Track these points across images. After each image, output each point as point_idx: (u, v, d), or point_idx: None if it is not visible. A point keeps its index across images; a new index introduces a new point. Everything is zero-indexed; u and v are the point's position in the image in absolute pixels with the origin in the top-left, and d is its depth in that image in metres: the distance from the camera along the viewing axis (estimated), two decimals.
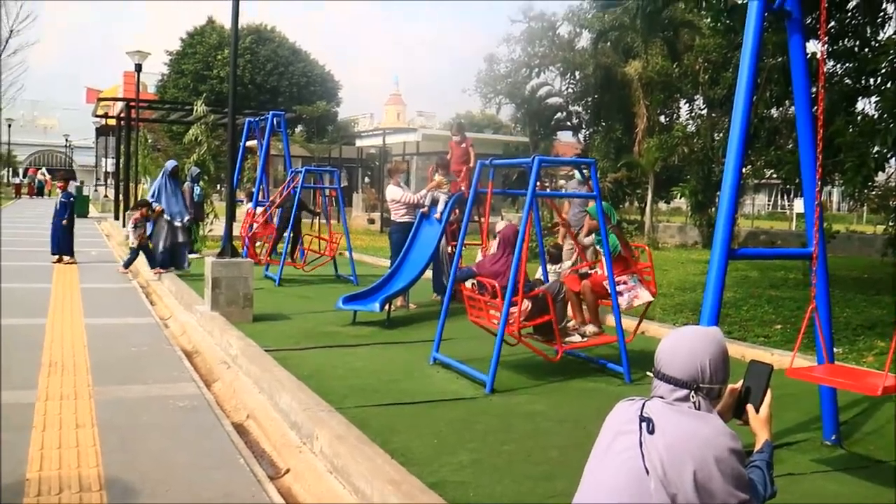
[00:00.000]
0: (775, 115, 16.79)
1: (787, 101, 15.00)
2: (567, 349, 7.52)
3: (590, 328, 7.94)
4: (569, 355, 7.97)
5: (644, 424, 2.43)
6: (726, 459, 2.36)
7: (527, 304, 7.40)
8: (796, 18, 5.37)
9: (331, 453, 5.12)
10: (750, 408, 2.72)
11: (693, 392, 2.49)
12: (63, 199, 16.85)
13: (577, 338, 7.79)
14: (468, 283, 8.14)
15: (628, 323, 8.42)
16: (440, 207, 10.90)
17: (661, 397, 2.52)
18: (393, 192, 11.91)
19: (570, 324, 8.12)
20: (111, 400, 6.64)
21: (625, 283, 7.81)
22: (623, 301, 7.73)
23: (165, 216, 14.90)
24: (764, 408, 2.73)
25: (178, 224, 14.94)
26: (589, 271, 8.39)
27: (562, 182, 39.28)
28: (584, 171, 11.27)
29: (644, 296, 7.82)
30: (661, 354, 2.60)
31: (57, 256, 16.41)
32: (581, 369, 8.07)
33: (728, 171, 5.06)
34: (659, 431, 2.40)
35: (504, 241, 7.87)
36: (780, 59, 12.97)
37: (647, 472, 2.35)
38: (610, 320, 8.50)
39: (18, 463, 5.05)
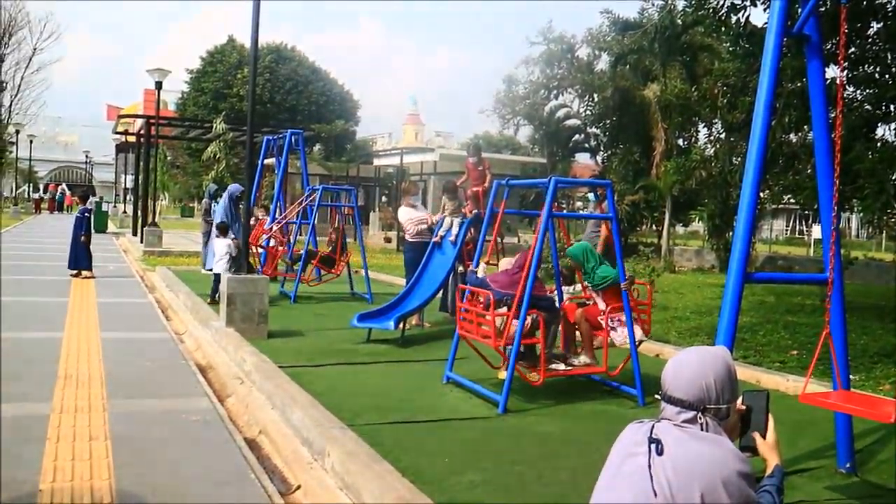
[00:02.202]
0: (794, 140, 16.73)
1: (805, 126, 14.96)
2: (549, 376, 7.37)
3: (582, 358, 7.80)
4: (581, 378, 7.94)
5: (653, 446, 2.42)
6: (734, 482, 2.34)
7: (527, 322, 7.36)
8: (815, 43, 5.37)
9: (342, 470, 5.12)
10: (757, 435, 2.70)
11: (700, 413, 2.47)
12: (79, 215, 17.02)
13: (561, 366, 7.68)
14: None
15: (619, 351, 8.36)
16: (455, 230, 10.91)
17: (669, 419, 2.51)
18: (402, 213, 12.10)
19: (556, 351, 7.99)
20: (125, 413, 6.67)
21: (619, 319, 7.74)
22: (617, 338, 7.62)
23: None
24: (770, 433, 2.70)
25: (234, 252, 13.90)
26: (587, 302, 8.32)
27: (578, 204, 39.35)
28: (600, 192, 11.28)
29: (637, 334, 7.71)
30: (666, 376, 2.59)
31: (75, 271, 16.52)
32: (594, 391, 8.04)
33: (745, 195, 5.05)
34: (667, 453, 2.39)
35: (522, 262, 7.85)
36: (798, 84, 12.95)
37: (656, 494, 2.34)
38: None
39: (32, 474, 5.07)
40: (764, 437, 2.70)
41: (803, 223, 58.31)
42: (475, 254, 8.75)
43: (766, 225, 42.96)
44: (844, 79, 6.16)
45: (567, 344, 8.04)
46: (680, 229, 39.39)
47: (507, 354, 7.51)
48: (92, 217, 17.56)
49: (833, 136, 5.32)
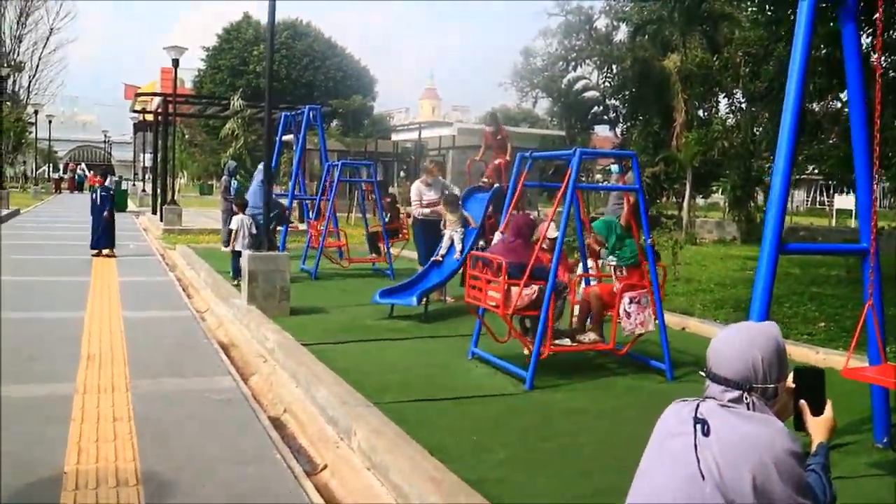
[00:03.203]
0: (817, 109, 16.48)
1: (829, 95, 14.69)
2: (554, 350, 7.20)
3: (590, 336, 7.68)
4: (604, 353, 7.83)
5: (699, 426, 2.31)
6: (785, 462, 2.23)
7: (534, 289, 7.24)
8: (850, 5, 5.19)
9: (368, 449, 5.04)
10: (806, 412, 2.59)
11: (746, 393, 2.36)
12: (101, 194, 17.03)
13: (567, 341, 7.53)
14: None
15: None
16: (458, 248, 10.66)
17: (714, 398, 2.40)
18: (414, 190, 11.97)
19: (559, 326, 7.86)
20: (148, 393, 6.63)
21: (638, 301, 7.48)
22: (627, 325, 7.43)
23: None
24: (827, 411, 2.60)
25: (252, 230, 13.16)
26: (602, 280, 8.20)
27: (598, 177, 39.08)
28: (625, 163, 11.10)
29: (649, 325, 7.47)
30: (711, 353, 2.46)
31: (96, 250, 16.53)
32: (622, 366, 7.91)
33: (779, 162, 4.90)
34: (714, 434, 2.28)
35: (516, 229, 7.71)
36: (823, 51, 12.69)
37: (703, 477, 2.23)
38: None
39: (57, 456, 5.04)
40: (819, 413, 2.59)
41: (824, 194, 57.74)
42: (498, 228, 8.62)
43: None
44: (881, 42, 5.96)
45: (581, 320, 7.90)
46: (700, 201, 39.00)
47: (513, 324, 7.49)
48: (111, 195, 17.53)
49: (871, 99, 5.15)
